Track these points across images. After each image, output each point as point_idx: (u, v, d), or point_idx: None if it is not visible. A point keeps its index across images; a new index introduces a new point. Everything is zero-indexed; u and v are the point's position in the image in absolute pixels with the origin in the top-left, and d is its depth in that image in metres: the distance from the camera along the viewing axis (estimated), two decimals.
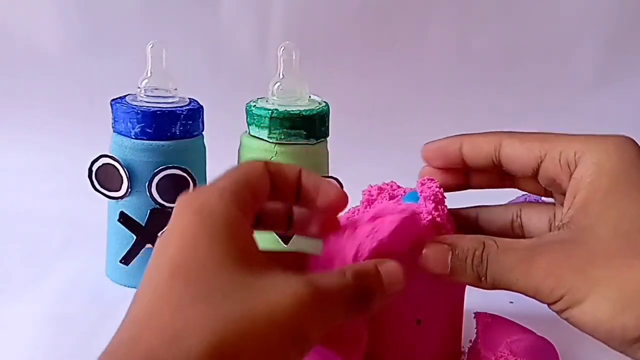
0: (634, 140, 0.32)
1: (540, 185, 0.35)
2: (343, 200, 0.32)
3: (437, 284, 0.35)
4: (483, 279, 0.31)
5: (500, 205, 0.39)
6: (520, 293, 0.30)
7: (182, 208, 0.28)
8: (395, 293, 0.30)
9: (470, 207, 0.38)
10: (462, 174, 0.37)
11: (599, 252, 0.29)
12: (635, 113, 1.02)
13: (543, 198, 0.38)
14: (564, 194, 0.32)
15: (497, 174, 0.37)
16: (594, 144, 0.32)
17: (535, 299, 0.30)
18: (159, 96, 0.51)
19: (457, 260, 0.32)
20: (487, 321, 0.37)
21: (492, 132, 0.35)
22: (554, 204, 0.36)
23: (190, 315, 0.24)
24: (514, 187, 0.37)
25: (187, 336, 0.23)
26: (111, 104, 0.51)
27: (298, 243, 0.48)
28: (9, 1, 0.95)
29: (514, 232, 0.37)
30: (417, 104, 1.00)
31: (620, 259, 0.28)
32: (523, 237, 0.35)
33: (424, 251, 0.33)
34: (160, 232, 0.51)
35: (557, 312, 0.29)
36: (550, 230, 0.35)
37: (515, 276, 0.30)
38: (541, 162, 0.33)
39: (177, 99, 0.51)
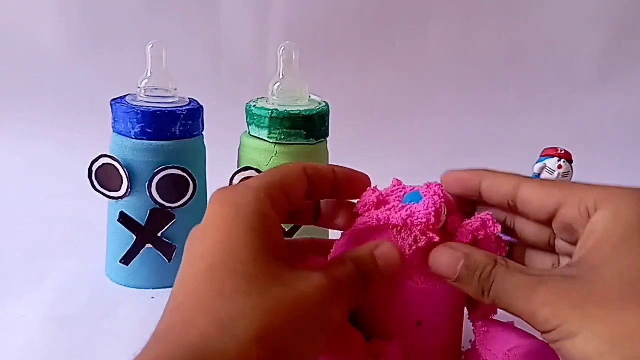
0: None
1: (543, 231, 0.36)
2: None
3: (438, 286, 0.35)
4: (486, 293, 0.32)
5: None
6: (517, 316, 0.31)
7: (218, 203, 0.31)
8: (392, 273, 0.33)
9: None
10: (470, 205, 0.38)
11: (599, 292, 0.29)
12: (636, 113, 1.02)
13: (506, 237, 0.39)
14: (575, 244, 0.33)
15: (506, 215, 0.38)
16: (614, 194, 0.32)
17: (530, 324, 0.31)
18: (159, 96, 0.51)
19: (467, 269, 0.33)
20: (486, 329, 0.37)
21: (512, 173, 0.36)
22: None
23: (236, 305, 0.26)
24: (509, 236, 0.38)
25: (236, 324, 0.26)
26: (111, 104, 0.51)
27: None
28: (9, 2, 0.95)
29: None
30: (417, 104, 1.00)
31: (619, 301, 0.29)
32: None
33: (435, 252, 0.34)
34: (161, 232, 0.51)
35: (549, 341, 0.30)
36: None
37: (516, 298, 0.31)
38: (560, 207, 0.34)
39: (177, 99, 0.51)
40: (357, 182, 0.37)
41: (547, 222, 0.35)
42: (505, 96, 1.02)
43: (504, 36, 1.03)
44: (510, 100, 1.02)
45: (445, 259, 0.33)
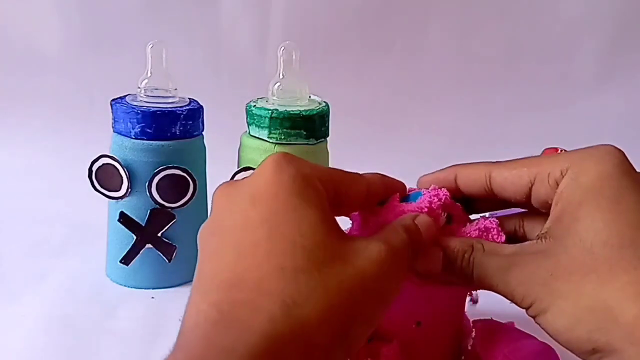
0: (619, 151, 0.32)
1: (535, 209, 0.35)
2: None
3: (437, 286, 0.35)
4: (470, 279, 0.32)
5: (503, 216, 0.39)
6: (501, 295, 0.32)
7: (274, 169, 0.29)
8: (430, 244, 0.32)
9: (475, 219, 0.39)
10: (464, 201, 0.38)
11: (563, 265, 0.30)
12: (636, 113, 1.02)
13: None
14: None
15: (498, 200, 0.37)
16: (577, 159, 0.32)
17: (513, 303, 0.31)
18: (159, 96, 0.51)
19: (447, 260, 0.33)
20: (485, 330, 0.37)
21: (481, 162, 0.36)
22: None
23: (298, 284, 0.26)
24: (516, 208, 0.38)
25: (301, 305, 0.25)
26: (111, 104, 0.51)
27: None
28: (8, 1, 0.95)
29: (519, 241, 0.37)
30: (417, 104, 1.00)
31: (580, 274, 0.29)
32: None
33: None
34: (161, 232, 0.51)
35: (530, 316, 0.31)
36: None
37: (495, 281, 0.32)
38: (532, 186, 0.34)
39: (177, 99, 0.51)
40: (395, 191, 0.36)
41: (528, 202, 0.34)
42: (505, 96, 1.02)
43: (504, 36, 1.03)
44: (510, 100, 1.02)
45: (425, 255, 0.33)
